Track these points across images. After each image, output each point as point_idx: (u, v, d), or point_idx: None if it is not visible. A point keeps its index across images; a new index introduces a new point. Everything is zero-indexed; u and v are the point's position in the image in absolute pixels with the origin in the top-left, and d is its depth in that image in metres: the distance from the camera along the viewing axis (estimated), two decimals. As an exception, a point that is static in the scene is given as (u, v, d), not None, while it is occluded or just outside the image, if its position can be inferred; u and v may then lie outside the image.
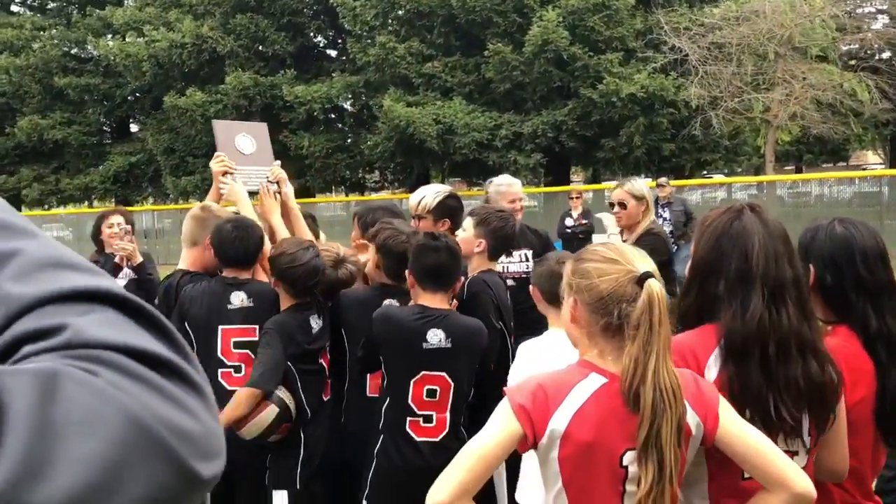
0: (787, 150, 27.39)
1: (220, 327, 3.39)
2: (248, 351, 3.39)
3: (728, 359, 1.95)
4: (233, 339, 3.40)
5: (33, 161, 28.69)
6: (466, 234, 3.64)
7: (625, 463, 1.75)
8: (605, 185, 22.46)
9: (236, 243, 3.39)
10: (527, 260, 4.61)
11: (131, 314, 0.61)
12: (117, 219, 5.12)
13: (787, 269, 1.98)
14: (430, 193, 4.00)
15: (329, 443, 3.34)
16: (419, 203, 3.97)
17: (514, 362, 3.06)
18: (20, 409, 0.50)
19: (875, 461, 2.33)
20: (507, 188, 5.02)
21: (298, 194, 4.03)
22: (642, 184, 4.82)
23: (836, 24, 18.20)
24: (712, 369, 1.96)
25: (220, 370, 3.39)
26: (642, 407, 1.70)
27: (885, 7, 22.33)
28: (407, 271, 3.17)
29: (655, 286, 1.75)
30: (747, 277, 1.96)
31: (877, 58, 21.23)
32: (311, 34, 27.56)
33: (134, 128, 31.10)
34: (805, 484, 1.74)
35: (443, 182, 24.18)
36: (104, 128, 30.78)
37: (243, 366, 3.39)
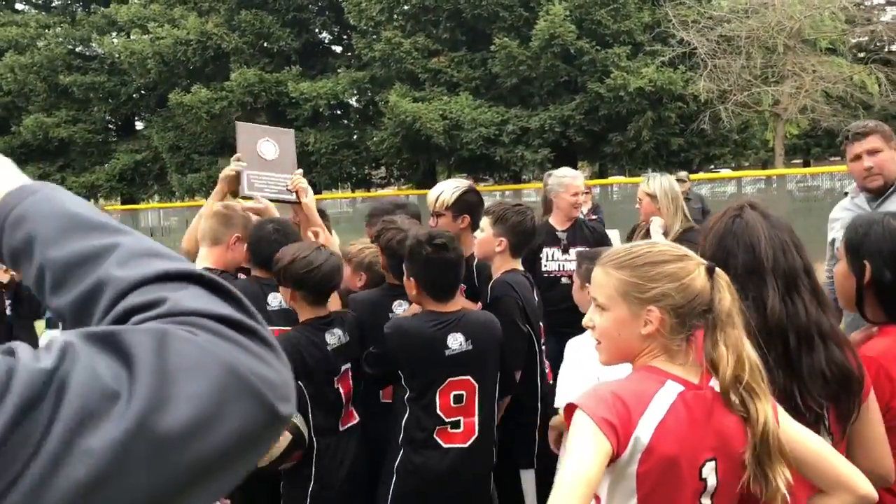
0: (794, 144, 27.23)
1: None
2: None
3: None
4: None
5: (39, 159, 28.64)
6: (485, 234, 3.47)
7: (704, 475, 1.68)
8: (612, 179, 22.36)
9: (274, 246, 3.19)
10: None
11: (212, 289, 0.77)
12: None
13: (797, 258, 1.95)
14: (449, 189, 3.73)
15: (353, 464, 3.05)
16: (437, 199, 3.68)
17: (564, 361, 2.94)
18: (144, 358, 0.65)
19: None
20: (570, 180, 4.81)
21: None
22: (661, 181, 4.54)
23: (846, 16, 18.09)
24: None
25: None
26: (749, 395, 1.65)
27: (894, -1, 22.19)
28: (409, 279, 2.97)
29: (724, 273, 1.73)
30: (757, 270, 1.93)
31: (886, 50, 21.15)
32: (317, 30, 27.52)
33: (139, 125, 31.06)
34: (868, 487, 1.71)
35: (449, 178, 24.06)
36: (109, 126, 30.74)
37: None
